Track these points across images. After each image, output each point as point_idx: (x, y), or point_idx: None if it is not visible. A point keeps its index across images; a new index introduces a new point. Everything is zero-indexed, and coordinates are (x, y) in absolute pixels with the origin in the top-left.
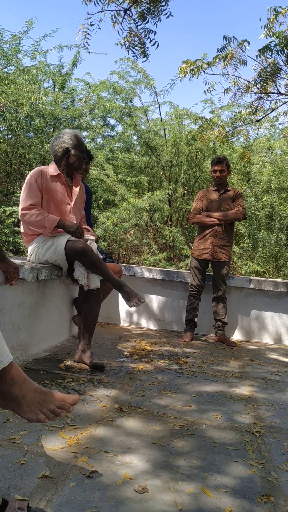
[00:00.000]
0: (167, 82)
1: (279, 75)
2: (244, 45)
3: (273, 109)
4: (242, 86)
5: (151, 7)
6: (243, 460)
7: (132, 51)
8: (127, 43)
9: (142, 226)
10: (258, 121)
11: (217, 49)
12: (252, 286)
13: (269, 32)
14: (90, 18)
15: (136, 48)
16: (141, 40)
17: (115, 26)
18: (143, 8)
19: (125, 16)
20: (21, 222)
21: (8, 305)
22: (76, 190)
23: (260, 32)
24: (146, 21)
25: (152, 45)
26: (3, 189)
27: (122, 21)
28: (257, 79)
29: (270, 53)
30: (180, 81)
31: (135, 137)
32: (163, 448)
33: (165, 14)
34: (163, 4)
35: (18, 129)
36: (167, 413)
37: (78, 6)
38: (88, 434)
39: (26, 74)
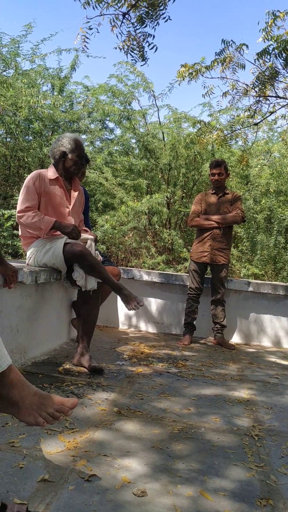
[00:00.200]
0: (165, 85)
1: (277, 78)
2: (242, 49)
3: (271, 113)
4: (240, 89)
5: (150, 11)
6: (242, 463)
7: (130, 54)
8: (126, 47)
9: (141, 229)
10: (256, 124)
11: (216, 52)
12: (250, 289)
13: (267, 36)
14: (89, 22)
15: (135, 51)
16: (140, 44)
17: (113, 30)
18: (141, 12)
19: (124, 20)
20: (19, 225)
21: (7, 308)
22: (75, 193)
23: (258, 36)
24: (144, 25)
25: (150, 49)
26: (2, 192)
27: (120, 25)
28: (255, 83)
29: (268, 56)
30: (179, 84)
31: (133, 140)
32: (162, 451)
33: (164, 18)
34: (161, 8)
35: (17, 132)
36: (166, 416)
37: (77, 10)
38: (87, 437)
39: (25, 77)
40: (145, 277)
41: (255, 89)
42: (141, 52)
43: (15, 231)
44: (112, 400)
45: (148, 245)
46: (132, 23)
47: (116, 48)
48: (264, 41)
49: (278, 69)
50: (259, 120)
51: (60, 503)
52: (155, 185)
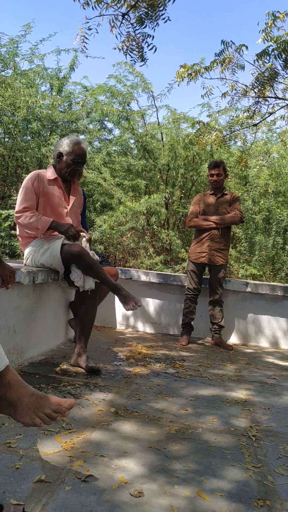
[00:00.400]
0: (164, 86)
1: (276, 79)
2: (242, 50)
3: (271, 113)
4: (239, 90)
5: (149, 12)
6: (239, 464)
7: (130, 55)
8: (125, 47)
9: (139, 230)
10: (255, 125)
11: (215, 53)
12: (249, 289)
13: (267, 37)
14: (88, 22)
15: (134, 52)
16: (139, 44)
17: (113, 31)
18: (141, 12)
19: (123, 21)
20: (17, 225)
21: (4, 308)
22: (74, 194)
23: (258, 37)
24: (144, 25)
25: (149, 50)
26: (0, 192)
27: (120, 25)
28: (255, 84)
29: (268, 57)
30: (178, 85)
31: (132, 141)
32: (159, 452)
33: (163, 18)
34: (161, 8)
35: (15, 132)
36: (163, 416)
37: (76, 10)
38: (84, 438)
39: (23, 77)
40: (143, 278)
41: (255, 90)
42: (140, 53)
43: (12, 231)
44: (109, 400)
45: (146, 246)
46: (132, 24)
47: (115, 48)
48: (264, 42)
49: (278, 70)
50: (258, 121)
51: (56, 503)
52: (154, 186)
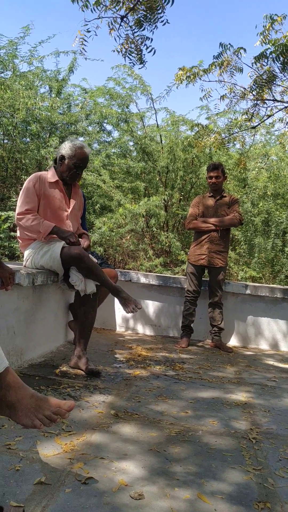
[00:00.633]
0: (163, 88)
1: (274, 82)
2: (240, 52)
3: (269, 116)
4: (238, 93)
5: (148, 15)
6: (239, 466)
7: (128, 57)
8: (124, 49)
9: (138, 232)
10: (254, 127)
11: (213, 56)
12: (248, 291)
13: (265, 40)
14: (87, 24)
15: (133, 54)
16: (138, 47)
17: (111, 33)
18: (139, 15)
19: (122, 23)
20: (17, 227)
21: (4, 310)
22: (74, 197)
23: (256, 40)
24: (142, 28)
25: (148, 52)
26: None
27: (118, 28)
28: (253, 86)
29: (266, 60)
30: (177, 87)
31: (131, 143)
32: (159, 454)
33: (162, 21)
34: (159, 11)
35: (14, 134)
36: (163, 419)
37: (75, 12)
38: (84, 440)
39: (22, 79)
40: (143, 280)
41: (253, 92)
42: (139, 55)
43: (12, 233)
44: (109, 402)
45: (145, 248)
46: (130, 26)
47: (114, 51)
48: (262, 45)
49: (276, 72)
50: (257, 124)
51: (56, 506)
52: (153, 188)
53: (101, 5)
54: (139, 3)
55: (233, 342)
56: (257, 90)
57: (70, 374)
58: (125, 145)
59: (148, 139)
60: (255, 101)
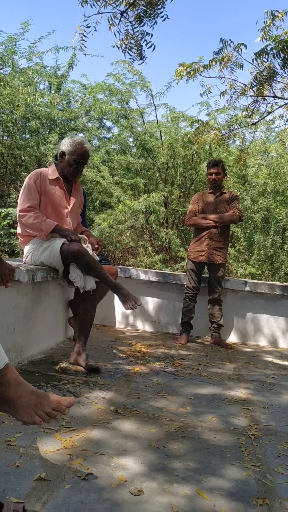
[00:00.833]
0: (163, 84)
1: (275, 78)
2: (241, 48)
3: (269, 112)
4: (238, 89)
5: (148, 10)
6: (238, 463)
7: (128, 53)
8: (124, 45)
9: (138, 228)
10: (254, 124)
11: (214, 52)
12: (247, 288)
13: (266, 36)
14: (86, 20)
15: (133, 50)
16: (138, 42)
17: (111, 29)
18: (139, 10)
19: (122, 19)
20: (18, 223)
21: (4, 306)
22: (75, 194)
23: (256, 36)
24: (142, 23)
25: (148, 48)
26: None
27: (118, 23)
28: (253, 82)
29: (266, 56)
30: (177, 83)
31: (131, 139)
32: (159, 450)
33: (162, 17)
34: (159, 7)
35: (14, 130)
36: (162, 415)
37: (75, 8)
38: (84, 436)
39: (22, 75)
40: (142, 276)
41: (253, 88)
42: (139, 51)
43: (12, 230)
44: (109, 399)
45: (145, 244)
46: (130, 22)
47: (114, 46)
48: (263, 41)
49: (276, 69)
50: (257, 120)
51: (56, 501)
52: (153, 184)
53: (101, 0)
54: None
55: (233, 338)
56: (258, 86)
57: (70, 370)
58: (125, 141)
59: (148, 135)
60: (256, 97)
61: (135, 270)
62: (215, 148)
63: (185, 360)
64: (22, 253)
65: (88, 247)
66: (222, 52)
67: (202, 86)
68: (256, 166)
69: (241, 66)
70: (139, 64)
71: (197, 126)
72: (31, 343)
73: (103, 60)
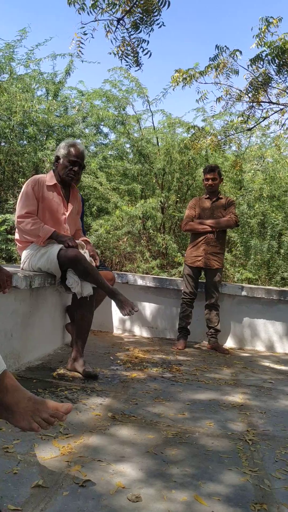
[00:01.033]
0: (159, 91)
1: (270, 84)
2: (236, 55)
3: (265, 118)
4: (234, 95)
5: (144, 17)
6: (236, 468)
7: (125, 60)
8: (120, 52)
9: (135, 234)
10: (249, 129)
11: (210, 58)
12: (244, 293)
13: (261, 42)
14: (83, 27)
15: (129, 57)
16: (134, 49)
17: (108, 36)
18: (136, 18)
19: (118, 26)
20: (16, 229)
21: (1, 313)
22: (73, 201)
23: (251, 42)
24: (139, 30)
25: (144, 54)
26: None
27: (115, 30)
28: (249, 88)
29: (262, 62)
30: (173, 89)
31: (128, 145)
32: (157, 456)
33: (158, 24)
34: (155, 14)
35: (11, 136)
36: (160, 421)
37: (72, 15)
38: (81, 442)
39: (19, 82)
40: (139, 282)
41: (249, 94)
42: (135, 58)
43: (9, 236)
44: (107, 405)
45: (142, 250)
46: (127, 29)
47: (110, 53)
48: (258, 47)
49: (271, 75)
50: (253, 126)
51: (54, 508)
52: (149, 190)
53: (98, 8)
54: (135, 5)
55: (230, 343)
56: (253, 92)
57: (67, 376)
58: (122, 147)
59: (145, 141)
60: (251, 103)
61: (132, 275)
62: (211, 153)
63: (182, 365)
64: (20, 259)
65: (85, 253)
66: (217, 58)
67: (198, 92)
68: (252, 171)
69: (237, 72)
70: (136, 70)
71: (193, 132)
72: (29, 349)
73: (100, 67)
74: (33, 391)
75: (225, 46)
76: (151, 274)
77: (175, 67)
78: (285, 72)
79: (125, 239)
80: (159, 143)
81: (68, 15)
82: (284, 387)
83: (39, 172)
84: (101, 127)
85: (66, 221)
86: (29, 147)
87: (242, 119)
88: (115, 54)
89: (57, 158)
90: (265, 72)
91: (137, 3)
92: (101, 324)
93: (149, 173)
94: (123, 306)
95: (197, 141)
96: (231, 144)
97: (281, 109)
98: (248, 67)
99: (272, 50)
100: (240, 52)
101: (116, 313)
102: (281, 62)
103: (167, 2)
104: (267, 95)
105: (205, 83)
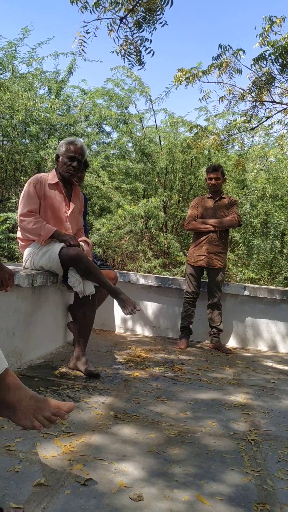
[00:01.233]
0: (162, 90)
1: (273, 83)
2: (239, 54)
3: (268, 118)
4: (237, 94)
5: (147, 16)
6: (238, 468)
7: (127, 59)
8: (123, 51)
9: (137, 233)
10: (252, 129)
11: (213, 57)
12: (247, 293)
13: (264, 41)
14: (86, 26)
15: (132, 56)
16: (137, 48)
17: (111, 34)
18: (138, 16)
19: (121, 25)
20: (18, 228)
21: (3, 311)
22: (75, 199)
23: (255, 41)
24: (141, 29)
25: (147, 53)
26: None
27: (118, 29)
28: (252, 88)
29: (265, 62)
30: (176, 89)
31: (130, 144)
32: (159, 455)
33: (160, 23)
34: (158, 13)
35: (14, 135)
36: (162, 420)
37: (74, 14)
38: (83, 441)
39: (21, 80)
40: (142, 281)
41: (252, 94)
42: (138, 57)
43: (11, 234)
44: (109, 404)
45: (144, 249)
46: (129, 28)
47: (113, 52)
48: (261, 47)
49: (275, 74)
50: (256, 125)
51: (56, 507)
52: (152, 189)
53: (100, 7)
54: (138, 4)
55: (232, 343)
56: (256, 91)
57: (69, 375)
58: (124, 146)
59: (147, 141)
60: (254, 102)
61: (134, 274)
62: (214, 153)
63: (184, 365)
64: (22, 258)
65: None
66: (220, 57)
67: (201, 92)
68: (255, 171)
69: (240, 72)
70: (138, 69)
71: (196, 131)
72: (31, 348)
73: (103, 66)
74: (35, 389)
75: (228, 45)
76: (153, 273)
77: (177, 67)
78: None
79: (127, 238)
80: (162, 142)
81: (71, 14)
82: (286, 387)
83: (41, 170)
84: (104, 126)
85: (67, 220)
86: (31, 145)
87: (245, 118)
88: (117, 53)
89: (57, 156)
90: (268, 72)
91: (140, 1)
92: (103, 323)
93: (152, 172)
94: (125, 305)
95: (199, 140)
96: (234, 144)
97: (284, 109)
98: (251, 67)
99: (275, 50)
100: (243, 51)
101: (118, 312)
102: (284, 61)
103: (170, 1)
104: (270, 94)
105: (208, 82)
